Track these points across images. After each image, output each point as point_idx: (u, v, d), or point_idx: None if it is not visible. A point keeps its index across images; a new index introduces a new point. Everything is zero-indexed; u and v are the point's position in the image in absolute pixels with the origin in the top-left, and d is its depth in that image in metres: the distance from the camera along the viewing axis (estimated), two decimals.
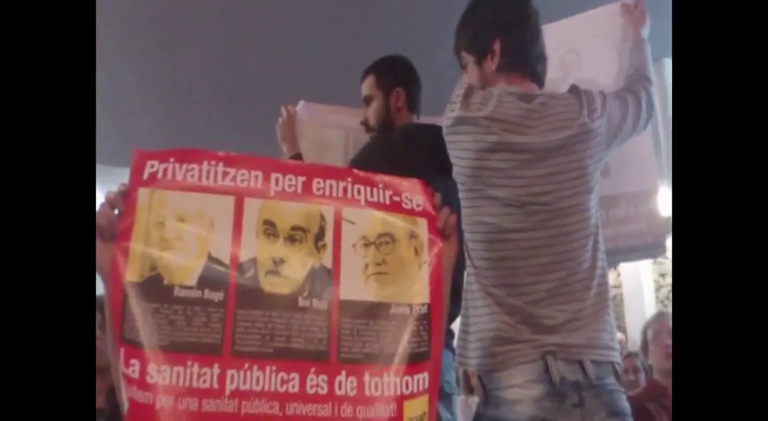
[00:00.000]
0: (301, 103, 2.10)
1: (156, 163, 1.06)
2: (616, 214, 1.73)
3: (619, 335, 5.37)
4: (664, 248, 1.80)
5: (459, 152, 1.39)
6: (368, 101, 1.88)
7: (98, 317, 1.47)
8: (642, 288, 6.47)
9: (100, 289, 1.05)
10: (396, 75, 1.88)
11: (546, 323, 1.29)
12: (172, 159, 1.07)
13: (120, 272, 1.00)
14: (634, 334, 6.15)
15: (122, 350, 0.98)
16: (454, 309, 1.34)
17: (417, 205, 1.17)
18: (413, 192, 1.18)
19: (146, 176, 1.05)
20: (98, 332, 1.55)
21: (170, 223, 1.03)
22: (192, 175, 1.07)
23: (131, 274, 1.00)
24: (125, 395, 0.97)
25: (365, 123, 1.89)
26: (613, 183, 1.73)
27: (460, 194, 1.38)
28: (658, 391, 2.29)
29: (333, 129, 2.09)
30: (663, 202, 1.81)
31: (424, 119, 1.87)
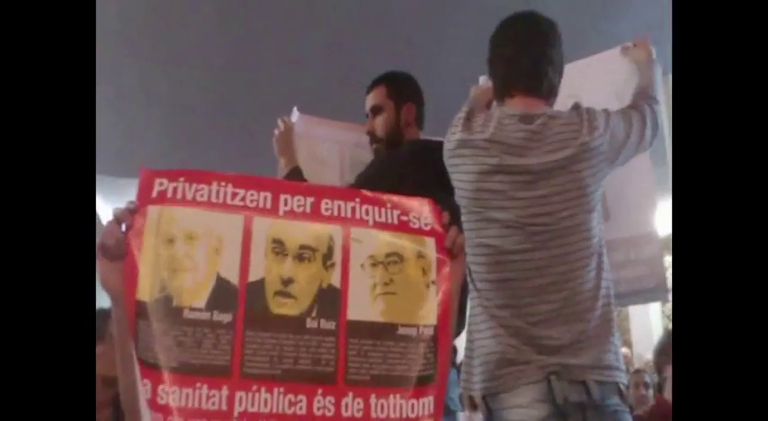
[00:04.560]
0: (295, 112, 2.06)
1: (164, 181, 1.06)
2: (616, 258, 1.70)
3: (624, 351, 5.36)
4: (666, 292, 1.77)
5: (461, 175, 1.41)
6: (375, 111, 1.85)
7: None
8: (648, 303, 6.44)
9: (102, 302, 1.05)
10: (408, 89, 1.87)
11: (550, 344, 1.29)
12: (181, 179, 1.07)
13: (131, 290, 1.00)
14: (640, 349, 6.12)
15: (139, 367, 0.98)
16: (458, 326, 1.34)
17: (425, 224, 1.17)
18: (421, 211, 1.18)
19: (155, 194, 1.05)
20: (102, 346, 1.55)
21: (179, 241, 1.04)
22: (202, 195, 1.07)
23: (141, 294, 1.00)
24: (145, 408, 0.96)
25: (371, 133, 1.87)
26: (614, 227, 1.72)
27: (462, 217, 1.40)
28: (667, 410, 2.26)
29: (328, 143, 2.06)
30: (663, 241, 1.77)
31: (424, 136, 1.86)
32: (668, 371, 2.27)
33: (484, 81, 1.71)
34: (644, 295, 1.80)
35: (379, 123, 1.84)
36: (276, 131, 2.01)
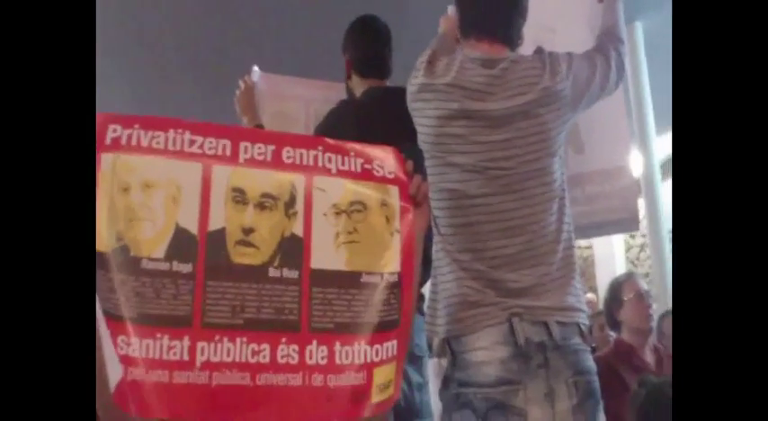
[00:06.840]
0: (256, 71, 2.05)
1: (118, 127, 1.02)
2: (591, 190, 1.77)
3: (590, 296, 5.52)
4: (637, 222, 1.85)
5: (422, 120, 1.40)
6: None
7: None
8: (613, 249, 6.60)
9: None
10: (344, 44, 1.86)
11: (511, 286, 1.31)
12: (136, 125, 1.04)
13: None
14: (605, 294, 6.29)
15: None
16: (424, 274, 1.35)
17: (389, 173, 1.16)
18: (384, 159, 1.17)
19: (108, 141, 1.01)
20: None
21: (135, 190, 1.01)
22: (158, 143, 1.03)
23: (98, 244, 0.98)
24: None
25: None
26: (588, 160, 1.77)
27: (426, 162, 1.39)
28: (625, 350, 2.34)
29: (293, 101, 2.08)
30: (635, 173, 1.88)
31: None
32: (621, 315, 2.39)
33: (452, 11, 1.68)
34: (617, 225, 1.88)
35: None
36: (237, 91, 2.01)
